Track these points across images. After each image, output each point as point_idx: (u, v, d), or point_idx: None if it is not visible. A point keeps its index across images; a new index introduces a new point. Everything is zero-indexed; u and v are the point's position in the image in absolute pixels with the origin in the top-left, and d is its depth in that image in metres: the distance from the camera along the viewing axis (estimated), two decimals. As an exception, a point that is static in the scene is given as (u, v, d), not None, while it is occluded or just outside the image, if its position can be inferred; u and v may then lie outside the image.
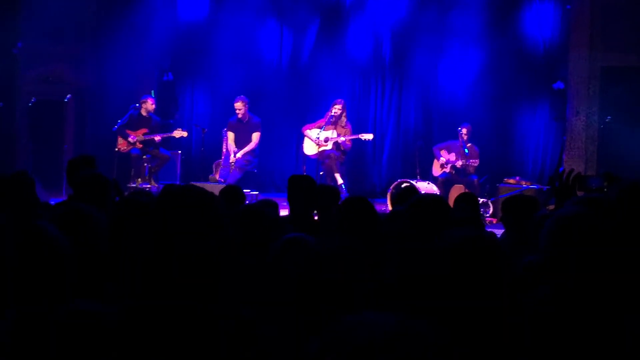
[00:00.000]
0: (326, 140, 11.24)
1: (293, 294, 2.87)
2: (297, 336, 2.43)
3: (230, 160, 11.19)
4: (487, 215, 10.56)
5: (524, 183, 11.40)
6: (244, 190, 5.95)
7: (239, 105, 11.26)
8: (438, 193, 10.81)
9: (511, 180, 11.51)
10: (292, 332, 2.47)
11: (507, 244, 4.29)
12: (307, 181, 5.42)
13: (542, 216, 3.92)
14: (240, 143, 11.31)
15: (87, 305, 2.24)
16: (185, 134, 11.46)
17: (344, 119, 11.29)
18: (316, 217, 5.60)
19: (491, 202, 10.97)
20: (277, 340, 2.38)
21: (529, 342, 2.26)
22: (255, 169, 11.44)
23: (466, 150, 11.16)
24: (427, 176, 11.51)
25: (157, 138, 11.42)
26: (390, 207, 10.00)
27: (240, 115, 11.29)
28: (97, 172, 4.50)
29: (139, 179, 11.36)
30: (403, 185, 10.42)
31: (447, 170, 11.39)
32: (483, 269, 2.11)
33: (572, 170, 4.26)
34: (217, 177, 11.23)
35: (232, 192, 5.41)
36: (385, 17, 13.02)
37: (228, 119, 11.52)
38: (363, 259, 2.53)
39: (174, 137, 11.45)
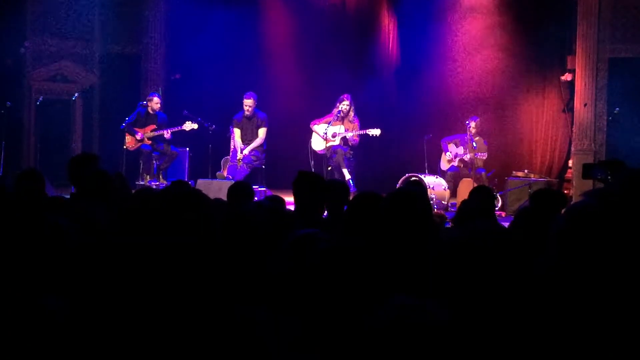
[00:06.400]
0: (334, 135, 11.23)
1: (306, 291, 2.86)
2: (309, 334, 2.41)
3: (238, 157, 11.19)
4: (496, 208, 10.53)
5: (532, 176, 11.37)
6: (252, 187, 5.92)
7: (249, 102, 11.23)
8: (446, 187, 10.80)
9: (520, 173, 11.49)
10: (302, 331, 2.45)
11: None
12: (313, 177, 5.38)
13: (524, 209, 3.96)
14: (247, 139, 11.31)
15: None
16: (195, 126, 11.40)
17: (351, 113, 11.27)
18: (325, 213, 5.58)
19: (500, 196, 10.94)
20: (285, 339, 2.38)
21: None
22: (262, 164, 11.43)
23: (474, 144, 11.13)
24: (436, 170, 11.49)
25: (167, 135, 11.40)
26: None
27: (247, 112, 11.28)
28: (102, 170, 4.52)
29: (147, 176, 11.38)
30: (412, 180, 10.41)
31: (455, 164, 11.37)
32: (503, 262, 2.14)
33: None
34: (225, 173, 11.23)
35: (241, 188, 5.38)
36: (393, 11, 12.99)
37: (234, 115, 11.50)
38: (374, 255, 2.52)
39: (185, 130, 11.42)
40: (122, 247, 2.14)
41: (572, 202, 6.59)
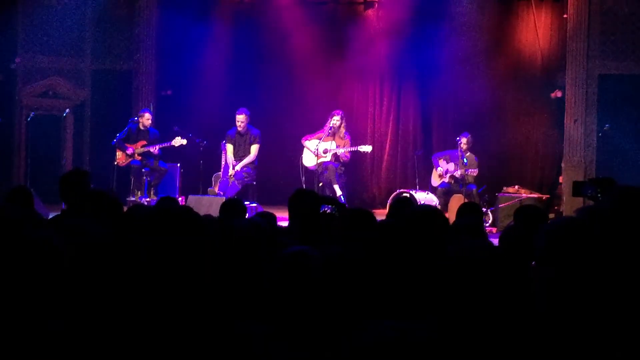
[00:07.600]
0: (325, 151, 11.24)
1: (296, 307, 2.86)
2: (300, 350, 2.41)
3: (230, 173, 11.17)
4: (487, 224, 10.54)
5: (523, 192, 11.40)
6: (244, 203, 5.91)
7: (241, 118, 11.22)
8: (437, 203, 10.80)
9: (510, 189, 11.51)
10: (295, 346, 2.45)
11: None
12: (309, 194, 5.39)
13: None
14: (239, 155, 11.29)
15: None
16: (184, 142, 11.35)
17: (342, 129, 11.28)
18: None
19: (490, 212, 10.96)
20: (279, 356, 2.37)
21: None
22: (253, 181, 11.41)
23: (465, 160, 11.14)
24: (427, 186, 11.49)
25: (155, 150, 11.38)
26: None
27: (240, 128, 11.27)
28: (94, 187, 4.51)
29: (139, 192, 11.35)
30: (403, 196, 10.42)
31: (446, 180, 11.37)
32: (494, 279, 2.14)
33: None
34: (217, 189, 11.21)
35: (234, 205, 5.38)
36: (384, 27, 13.04)
37: (226, 131, 11.49)
38: (364, 270, 2.53)
39: (174, 145, 11.38)
40: (121, 250, 2.14)
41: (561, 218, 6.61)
